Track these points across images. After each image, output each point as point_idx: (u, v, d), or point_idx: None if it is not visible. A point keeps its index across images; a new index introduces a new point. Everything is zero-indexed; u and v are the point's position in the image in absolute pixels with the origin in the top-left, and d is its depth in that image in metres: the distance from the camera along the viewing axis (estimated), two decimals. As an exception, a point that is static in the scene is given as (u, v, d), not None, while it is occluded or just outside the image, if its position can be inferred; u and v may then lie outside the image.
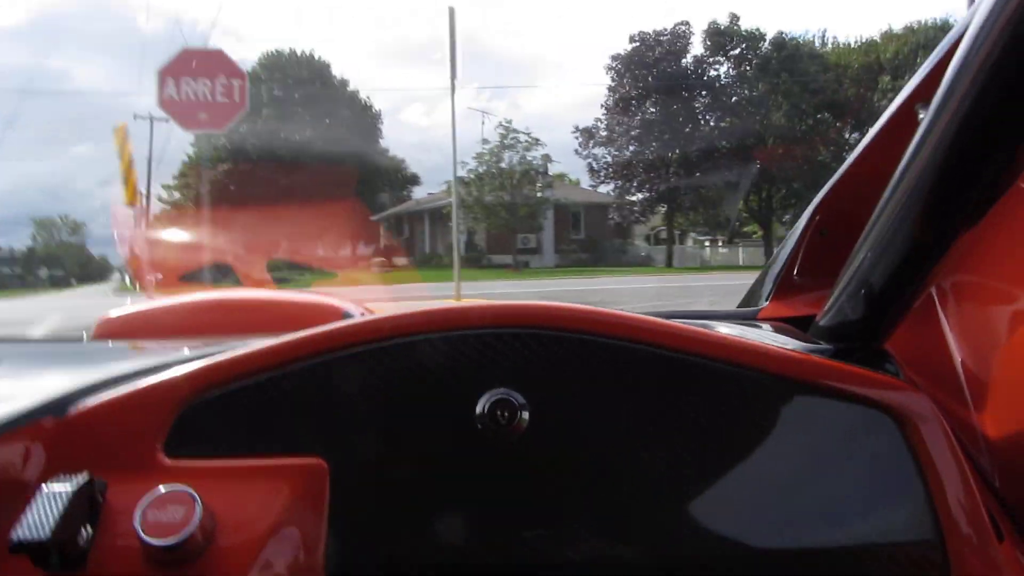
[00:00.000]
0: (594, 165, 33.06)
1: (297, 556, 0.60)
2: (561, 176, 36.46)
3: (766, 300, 1.17)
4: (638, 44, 32.23)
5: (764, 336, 0.90)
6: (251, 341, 0.71)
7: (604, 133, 32.84)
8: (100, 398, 0.66)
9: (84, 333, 1.21)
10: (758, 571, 0.62)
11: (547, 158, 31.29)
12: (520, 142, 30.93)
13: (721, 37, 32.25)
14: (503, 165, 30.97)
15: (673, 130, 31.06)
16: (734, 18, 32.30)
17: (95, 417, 0.65)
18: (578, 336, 0.67)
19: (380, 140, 38.99)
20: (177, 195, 36.07)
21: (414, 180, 39.34)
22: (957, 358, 0.72)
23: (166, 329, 1.20)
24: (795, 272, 1.11)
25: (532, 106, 62.78)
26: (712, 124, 32.34)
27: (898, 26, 34.61)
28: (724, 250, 34.55)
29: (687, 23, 32.09)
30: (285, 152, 33.49)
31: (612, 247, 32.51)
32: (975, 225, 0.60)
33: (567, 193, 32.39)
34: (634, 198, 32.49)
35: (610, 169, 32.59)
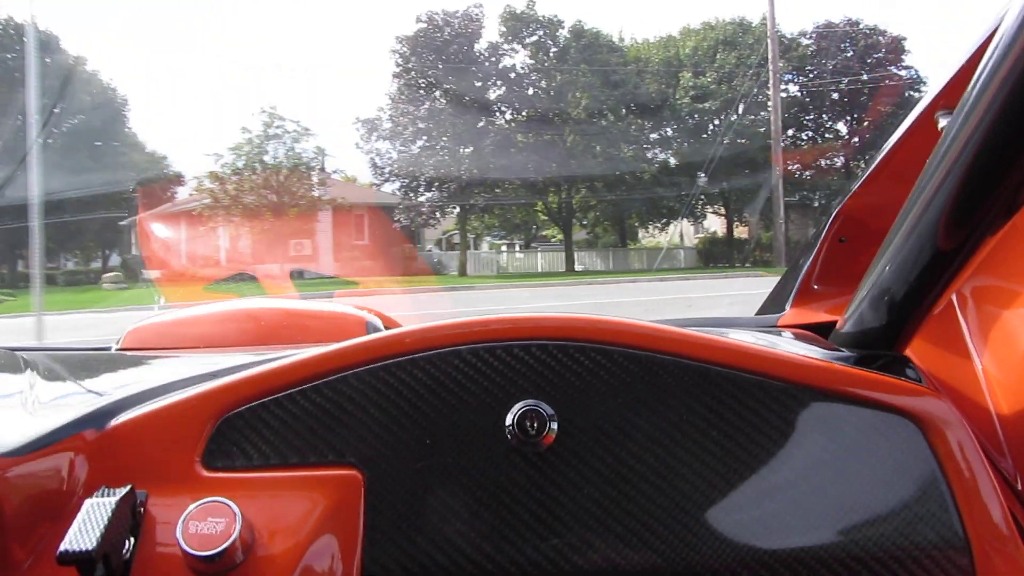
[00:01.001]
0: (377, 161, 29.02)
1: (334, 564, 0.62)
2: (352, 179, 32.19)
3: (786, 307, 1.18)
4: (426, 25, 28.64)
5: (786, 343, 0.89)
6: (281, 353, 0.72)
7: (389, 125, 28.92)
8: (138, 411, 0.68)
9: (112, 343, 1.22)
10: None
11: (320, 151, 27.09)
12: (287, 132, 26.63)
13: (517, 22, 29.37)
14: (267, 159, 26.54)
15: (466, 123, 27.72)
16: (530, 3, 29.58)
17: (134, 430, 0.67)
18: (603, 347, 0.67)
19: (128, 131, 32.92)
20: None
21: (178, 179, 33.56)
22: (977, 362, 0.72)
23: (193, 339, 1.19)
24: (814, 279, 1.14)
25: (306, 93, 56.69)
26: (508, 117, 29.36)
27: (696, 22, 33.47)
28: (521, 255, 31.57)
29: (480, 5, 28.89)
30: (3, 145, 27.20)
31: (400, 253, 28.58)
32: (998, 232, 0.61)
33: (348, 193, 28.10)
34: (423, 198, 28.74)
35: (395, 165, 28.69)
